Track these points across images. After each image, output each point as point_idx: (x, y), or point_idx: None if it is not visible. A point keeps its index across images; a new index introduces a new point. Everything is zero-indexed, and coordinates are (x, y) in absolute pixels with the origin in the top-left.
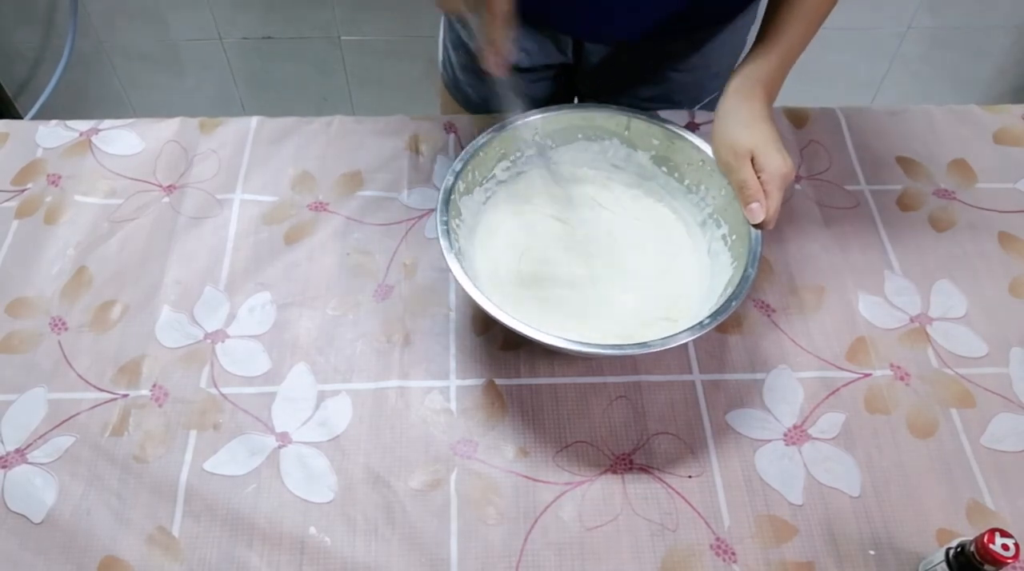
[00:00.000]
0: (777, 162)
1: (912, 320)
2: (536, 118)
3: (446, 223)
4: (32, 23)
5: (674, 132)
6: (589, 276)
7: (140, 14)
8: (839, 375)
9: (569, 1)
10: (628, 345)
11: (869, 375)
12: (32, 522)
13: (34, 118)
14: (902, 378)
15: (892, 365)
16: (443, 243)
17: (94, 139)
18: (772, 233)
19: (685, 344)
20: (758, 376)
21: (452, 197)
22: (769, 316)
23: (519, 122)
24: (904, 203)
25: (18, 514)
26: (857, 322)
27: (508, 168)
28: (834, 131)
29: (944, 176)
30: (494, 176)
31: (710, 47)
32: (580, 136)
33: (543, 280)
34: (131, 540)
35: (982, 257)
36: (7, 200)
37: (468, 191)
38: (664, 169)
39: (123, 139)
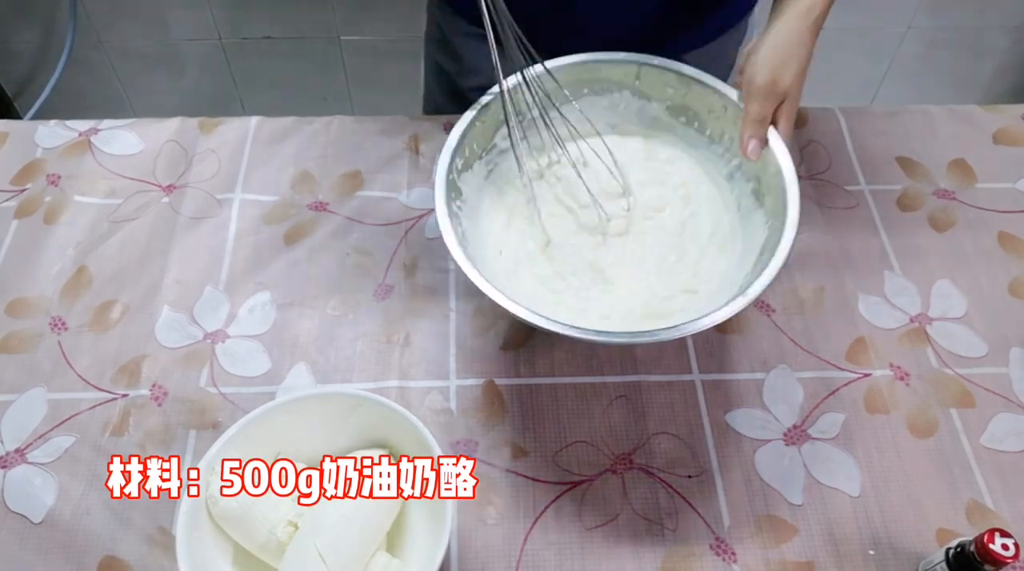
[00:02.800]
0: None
1: (912, 320)
2: (533, 75)
3: (447, 206)
4: (32, 23)
5: (691, 77)
6: (604, 253)
7: (140, 14)
8: (839, 375)
9: (539, 19)
10: (626, 333)
11: (869, 375)
12: (32, 522)
13: (34, 118)
14: (902, 378)
15: (892, 365)
16: (442, 222)
17: (93, 139)
18: None
19: (685, 344)
20: (758, 376)
21: (451, 177)
22: (769, 316)
23: (515, 81)
24: (904, 203)
25: (18, 514)
26: (857, 322)
27: (509, 135)
28: (834, 131)
29: (944, 176)
30: (495, 146)
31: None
32: (586, 91)
33: (554, 258)
34: (131, 540)
35: (982, 257)
36: (6, 200)
37: (467, 167)
38: (683, 119)
39: (122, 139)
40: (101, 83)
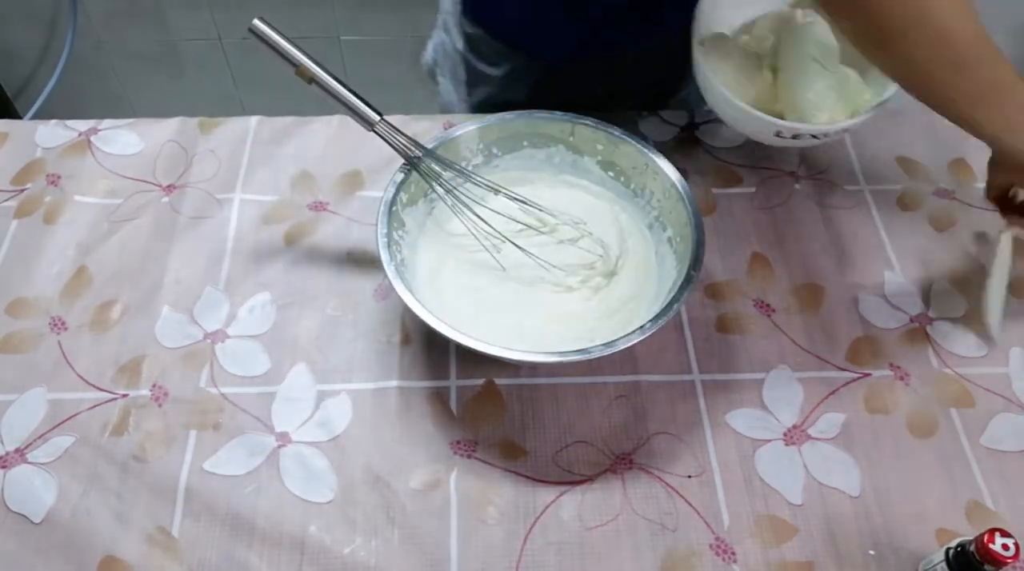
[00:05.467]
0: None
1: (912, 320)
2: (479, 126)
3: (387, 236)
4: (32, 23)
5: (617, 137)
6: (538, 279)
7: (140, 14)
8: (839, 375)
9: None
10: (568, 352)
11: (869, 375)
12: (32, 522)
13: (34, 118)
14: (902, 378)
15: (892, 365)
16: (383, 256)
17: (93, 139)
18: (772, 233)
19: (685, 344)
20: (758, 376)
21: (394, 209)
22: (769, 316)
23: (461, 132)
24: (904, 203)
25: (18, 514)
26: (857, 322)
27: (453, 178)
28: None
29: (944, 176)
30: (440, 183)
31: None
32: (526, 143)
33: (489, 287)
34: (131, 540)
35: (982, 257)
36: (6, 200)
37: (412, 202)
38: (611, 174)
39: (123, 139)
40: (101, 83)
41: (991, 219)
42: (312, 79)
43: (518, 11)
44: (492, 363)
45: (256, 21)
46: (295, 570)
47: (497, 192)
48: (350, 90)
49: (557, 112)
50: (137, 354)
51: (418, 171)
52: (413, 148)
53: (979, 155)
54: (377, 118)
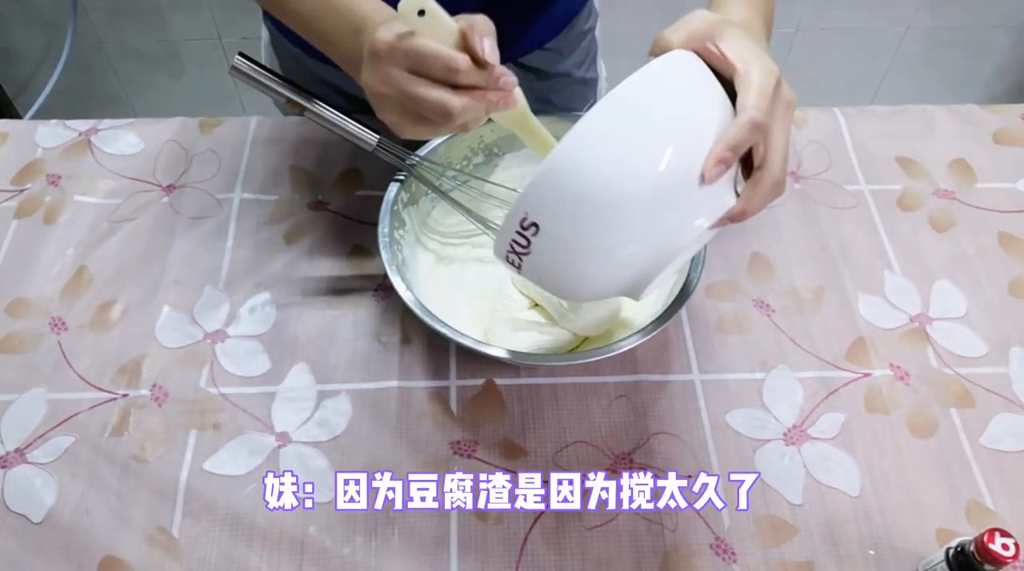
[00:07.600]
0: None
1: (912, 320)
2: (480, 126)
3: (388, 235)
4: (32, 23)
5: None
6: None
7: (140, 14)
8: (839, 375)
9: None
10: (568, 355)
11: (869, 375)
12: (32, 522)
13: (34, 118)
14: (902, 378)
15: (892, 365)
16: (384, 255)
17: (94, 139)
18: (772, 233)
19: (685, 344)
20: (758, 376)
21: (395, 208)
22: (769, 316)
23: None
24: (904, 203)
25: (18, 514)
26: (857, 322)
27: (454, 177)
28: (834, 131)
29: (944, 176)
30: (440, 185)
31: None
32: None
33: (489, 290)
34: (131, 540)
35: (982, 257)
36: (6, 200)
37: (413, 201)
38: None
39: (123, 139)
40: (101, 83)
41: (991, 219)
42: (303, 111)
43: None
44: (492, 363)
45: (237, 59)
46: (295, 570)
47: (498, 193)
48: (344, 117)
49: (559, 111)
50: (137, 354)
51: (420, 177)
52: (413, 154)
53: (979, 155)
54: (375, 140)
